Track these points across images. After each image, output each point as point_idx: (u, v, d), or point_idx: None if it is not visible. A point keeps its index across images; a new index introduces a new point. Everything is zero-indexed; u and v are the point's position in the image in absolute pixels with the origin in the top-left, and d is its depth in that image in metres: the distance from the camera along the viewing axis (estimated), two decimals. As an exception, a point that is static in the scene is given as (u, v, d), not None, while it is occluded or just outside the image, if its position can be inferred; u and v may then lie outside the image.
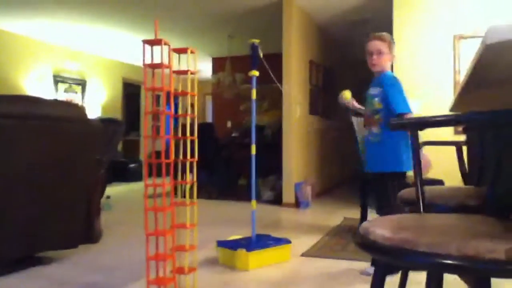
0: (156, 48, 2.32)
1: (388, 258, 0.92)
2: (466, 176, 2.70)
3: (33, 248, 2.90)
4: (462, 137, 2.84)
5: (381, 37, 2.85)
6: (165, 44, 2.25)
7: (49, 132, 2.77)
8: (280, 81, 5.97)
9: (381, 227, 0.97)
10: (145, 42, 2.28)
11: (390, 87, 2.76)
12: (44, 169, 2.78)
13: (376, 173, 2.86)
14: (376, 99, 2.82)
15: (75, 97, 8.64)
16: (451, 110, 1.71)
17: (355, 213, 4.89)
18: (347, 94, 3.36)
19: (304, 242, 3.68)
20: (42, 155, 2.74)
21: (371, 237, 0.95)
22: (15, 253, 2.78)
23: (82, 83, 8.92)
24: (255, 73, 3.24)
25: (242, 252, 2.95)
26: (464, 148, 2.82)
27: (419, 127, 1.23)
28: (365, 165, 3.11)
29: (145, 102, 2.42)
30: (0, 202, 2.56)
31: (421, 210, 1.25)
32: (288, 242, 3.20)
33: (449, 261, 0.82)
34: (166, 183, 2.30)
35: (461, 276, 2.45)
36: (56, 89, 8.29)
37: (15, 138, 2.57)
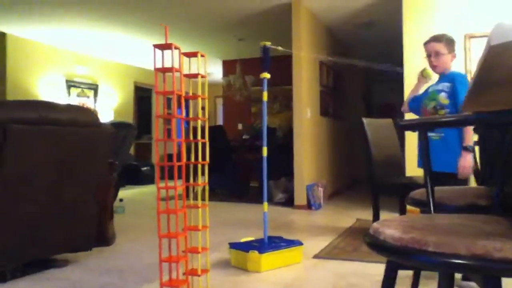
0: (167, 52, 2.34)
1: (397, 258, 0.93)
2: (478, 176, 2.69)
3: (47, 251, 2.94)
4: (475, 137, 2.84)
5: (436, 38, 2.91)
6: (176, 48, 2.28)
7: (62, 137, 2.81)
8: (290, 83, 5.99)
9: (391, 227, 0.97)
10: (156, 46, 2.31)
11: (462, 85, 2.79)
12: (58, 173, 2.82)
13: (435, 172, 2.84)
14: (443, 94, 2.85)
15: (87, 102, 8.73)
16: (461, 110, 1.71)
17: (368, 215, 4.88)
18: (429, 72, 3.22)
19: (316, 243, 3.69)
20: (55, 159, 2.78)
21: (381, 237, 0.96)
22: (29, 256, 2.83)
23: (94, 88, 9.01)
24: (266, 75, 3.26)
25: (254, 254, 2.96)
26: (477, 148, 2.81)
27: (428, 127, 1.24)
28: (418, 162, 3.08)
29: (156, 105, 2.45)
30: (15, 205, 2.61)
31: (432, 210, 1.26)
32: (300, 244, 3.21)
33: (457, 261, 0.83)
34: (178, 185, 2.32)
35: (471, 276, 2.44)
36: (69, 94, 8.39)
37: (29, 143, 2.62)
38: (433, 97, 2.91)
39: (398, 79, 5.11)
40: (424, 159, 1.36)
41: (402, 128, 1.26)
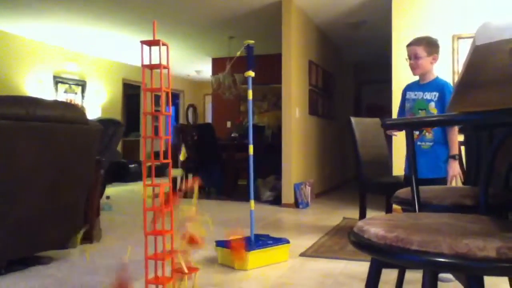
0: (155, 49, 2.33)
1: (381, 257, 0.93)
2: (464, 176, 2.74)
3: (32, 248, 2.91)
4: (460, 138, 2.89)
5: (417, 41, 2.95)
6: (163, 44, 2.26)
7: (49, 133, 2.78)
8: (279, 81, 5.99)
9: (375, 225, 0.98)
10: (143, 42, 2.29)
11: (451, 95, 2.83)
12: (44, 170, 2.79)
13: (422, 179, 2.90)
14: (432, 103, 2.91)
15: (75, 98, 8.65)
16: (447, 110, 1.72)
17: (354, 214, 4.90)
18: None
19: (303, 242, 3.70)
20: (42, 156, 2.75)
21: (366, 235, 0.97)
22: (15, 253, 2.80)
23: (82, 84, 8.93)
24: (251, 73, 3.27)
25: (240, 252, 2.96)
26: (463, 149, 2.86)
27: (414, 127, 1.24)
28: (406, 169, 3.15)
29: (144, 102, 2.43)
30: (1, 203, 2.58)
31: (417, 209, 1.27)
32: (287, 242, 3.21)
33: (441, 259, 0.83)
34: (164, 183, 2.31)
35: (454, 274, 2.47)
36: (56, 90, 8.31)
37: (15, 139, 2.59)
38: (422, 107, 2.97)
39: (388, 81, 5.14)
40: (409, 161, 1.36)
41: (388, 127, 1.27)
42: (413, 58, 2.94)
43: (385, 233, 0.92)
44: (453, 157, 2.83)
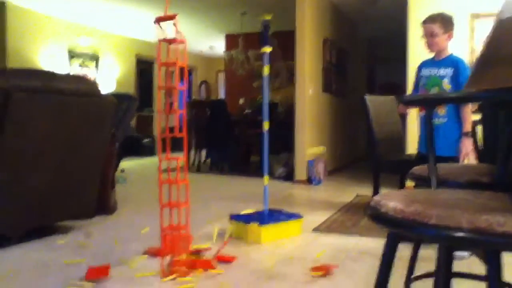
0: (169, 24, 2.32)
1: (399, 230, 0.94)
2: (480, 154, 2.72)
3: (50, 218, 2.98)
4: (477, 116, 2.87)
5: (432, 19, 2.92)
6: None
7: (64, 106, 2.81)
8: (293, 58, 5.95)
9: (393, 199, 0.98)
10: (159, 19, 2.29)
11: (465, 72, 2.83)
12: (60, 142, 2.83)
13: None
14: (446, 79, 2.89)
15: (88, 73, 8.68)
16: (465, 87, 1.70)
17: (367, 191, 4.90)
18: None
19: (315, 218, 3.72)
20: (57, 128, 2.79)
21: (383, 209, 0.97)
22: (33, 223, 2.86)
23: (96, 59, 8.95)
24: (267, 49, 3.24)
25: (254, 226, 3.00)
26: (479, 128, 2.83)
27: (434, 103, 1.23)
28: (421, 145, 3.14)
29: (158, 76, 2.44)
30: (17, 173, 2.63)
31: (434, 185, 1.27)
32: (300, 217, 3.24)
33: (459, 234, 0.84)
34: (179, 157, 2.33)
35: (472, 249, 2.48)
36: (70, 65, 8.34)
37: (30, 111, 2.62)
38: (436, 83, 2.95)
39: (403, 59, 5.07)
40: (427, 137, 1.36)
41: (406, 104, 1.26)
42: (429, 36, 2.92)
43: (403, 207, 0.93)
44: (466, 134, 2.81)
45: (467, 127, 2.83)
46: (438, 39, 2.89)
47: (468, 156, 2.83)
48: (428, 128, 1.28)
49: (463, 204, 0.99)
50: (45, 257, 2.63)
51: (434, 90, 2.94)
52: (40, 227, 2.99)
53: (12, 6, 7.28)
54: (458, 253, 2.64)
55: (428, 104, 1.24)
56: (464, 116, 2.84)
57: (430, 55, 3.08)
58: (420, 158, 3.07)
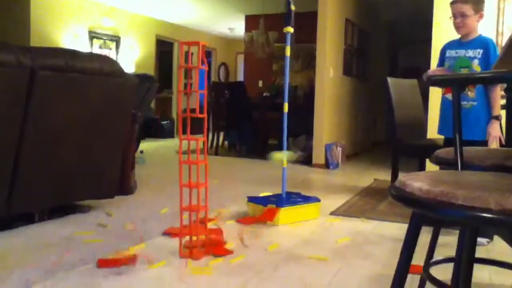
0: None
1: (424, 211, 0.93)
2: (505, 138, 2.67)
3: (72, 197, 3.02)
4: (502, 101, 2.79)
5: None
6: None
7: (87, 85, 2.83)
8: (313, 40, 5.88)
9: (418, 180, 0.97)
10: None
11: (495, 52, 2.75)
12: (83, 122, 2.86)
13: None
14: (476, 61, 2.79)
15: (109, 53, 8.72)
16: (494, 67, 1.66)
17: (386, 175, 4.88)
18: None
19: (333, 201, 3.72)
20: (80, 108, 2.81)
21: (408, 189, 0.96)
22: (56, 201, 2.91)
23: (117, 40, 8.98)
24: (290, 29, 3.19)
25: (272, 208, 3.00)
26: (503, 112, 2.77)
27: (462, 83, 1.21)
28: (440, 128, 3.06)
29: (181, 58, 2.43)
30: (41, 152, 2.67)
31: (459, 167, 1.25)
32: (318, 200, 3.24)
33: (487, 215, 0.82)
34: (199, 138, 2.34)
35: (497, 231, 2.45)
36: (91, 45, 8.39)
37: (54, 90, 2.64)
38: (465, 64, 2.84)
39: (425, 41, 4.96)
40: (454, 119, 1.33)
41: (433, 84, 1.24)
42: (459, 16, 2.79)
43: (429, 187, 0.91)
44: (496, 117, 2.72)
45: (497, 110, 2.74)
46: (469, 20, 2.77)
47: (497, 140, 2.74)
48: (455, 109, 1.25)
49: (491, 185, 0.97)
50: (67, 234, 2.68)
51: (463, 72, 2.86)
52: (62, 206, 3.05)
53: (35, -14, 7.33)
54: (477, 240, 2.61)
55: (458, 84, 1.21)
56: (493, 99, 2.74)
57: (456, 36, 2.98)
58: (448, 143, 2.99)
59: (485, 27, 4.58)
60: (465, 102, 2.82)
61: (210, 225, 2.89)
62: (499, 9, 4.59)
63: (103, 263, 2.17)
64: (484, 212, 0.83)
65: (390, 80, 3.62)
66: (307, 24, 6.74)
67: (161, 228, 2.82)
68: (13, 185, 2.56)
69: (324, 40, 5.77)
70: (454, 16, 2.83)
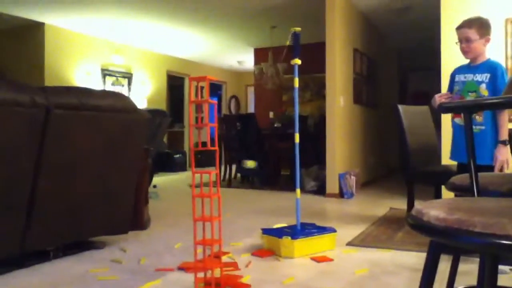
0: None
1: (442, 239, 0.91)
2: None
3: (86, 233, 3.03)
4: (510, 125, 2.78)
5: (468, 24, 2.82)
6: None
7: (100, 122, 2.87)
8: (322, 70, 5.94)
9: (434, 208, 0.96)
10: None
11: (503, 76, 2.76)
12: (95, 157, 2.89)
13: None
14: (483, 85, 2.80)
15: (122, 90, 8.88)
16: (505, 92, 1.66)
17: (401, 204, 4.82)
18: None
19: (349, 231, 3.67)
20: (94, 143, 2.85)
21: (425, 218, 0.95)
22: (70, 237, 2.92)
23: (129, 76, 9.15)
24: (297, 61, 3.24)
25: (287, 240, 2.97)
26: None
27: (473, 109, 1.20)
28: (452, 154, 3.05)
29: (189, 92, 2.47)
30: (55, 188, 2.69)
31: (475, 194, 1.23)
32: (334, 230, 3.20)
33: (507, 242, 0.81)
34: (212, 171, 2.34)
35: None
36: (104, 83, 8.55)
37: (68, 127, 2.69)
38: (473, 89, 2.84)
39: (434, 67, 4.98)
40: (467, 145, 1.33)
41: (445, 110, 1.23)
42: (464, 41, 2.82)
43: (446, 215, 0.90)
44: (503, 142, 2.70)
45: (504, 135, 2.73)
46: (474, 44, 2.79)
47: (504, 164, 2.72)
48: (468, 135, 1.24)
49: (508, 211, 0.95)
50: (83, 272, 2.67)
51: (470, 96, 2.85)
52: (77, 242, 3.05)
53: (49, 26, 7.55)
54: (499, 267, 2.55)
55: (467, 110, 1.21)
56: (501, 123, 2.74)
57: (465, 61, 2.99)
58: (461, 168, 2.96)
59: (493, 52, 4.61)
60: (474, 127, 2.81)
61: (225, 258, 2.87)
62: (506, 33, 4.61)
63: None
64: (503, 238, 0.81)
65: (401, 107, 3.63)
66: (316, 54, 6.83)
67: (176, 262, 2.80)
68: (28, 222, 2.58)
69: (333, 70, 5.82)
70: (460, 41, 2.85)
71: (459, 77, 2.95)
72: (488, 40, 2.83)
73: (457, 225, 0.87)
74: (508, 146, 2.74)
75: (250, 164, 3.26)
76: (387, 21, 7.45)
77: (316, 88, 9.00)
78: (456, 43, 2.89)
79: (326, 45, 5.85)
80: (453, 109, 1.30)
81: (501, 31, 4.61)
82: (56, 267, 2.74)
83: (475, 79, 2.83)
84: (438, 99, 2.96)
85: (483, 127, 2.78)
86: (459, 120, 2.94)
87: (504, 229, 0.82)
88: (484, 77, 2.80)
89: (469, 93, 2.87)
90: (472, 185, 1.24)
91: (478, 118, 2.80)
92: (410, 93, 10.40)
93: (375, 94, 7.88)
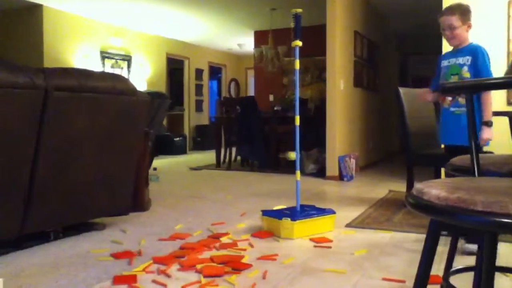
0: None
1: (443, 218, 0.92)
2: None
3: (87, 215, 3.04)
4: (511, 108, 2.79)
5: (450, 11, 2.88)
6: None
7: (100, 104, 2.86)
8: (322, 53, 5.90)
9: (435, 188, 0.96)
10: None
11: (484, 58, 2.81)
12: (96, 140, 2.88)
13: (457, 146, 2.79)
14: (465, 67, 2.85)
15: (121, 73, 8.84)
16: (506, 73, 1.65)
17: (401, 186, 4.83)
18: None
19: (348, 213, 3.69)
20: (93, 126, 2.84)
21: (425, 197, 0.95)
22: (71, 219, 2.93)
23: (128, 59, 9.10)
24: (298, 43, 3.22)
25: (287, 221, 2.99)
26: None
27: (474, 89, 1.20)
28: (441, 137, 3.10)
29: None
30: (56, 170, 2.69)
31: (476, 174, 1.23)
32: (333, 212, 3.21)
33: (507, 220, 0.81)
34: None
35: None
36: (103, 65, 8.50)
37: (67, 110, 2.68)
38: (455, 72, 2.91)
39: (435, 51, 4.95)
40: (469, 126, 1.33)
41: (446, 91, 1.23)
42: (447, 29, 2.89)
43: (446, 194, 0.91)
44: (486, 123, 2.72)
45: (488, 116, 2.77)
46: (457, 31, 2.86)
47: (485, 143, 2.75)
48: (469, 116, 1.24)
49: (509, 191, 0.95)
50: (83, 252, 2.69)
51: (453, 79, 2.89)
52: (77, 224, 3.06)
53: (48, 8, 7.48)
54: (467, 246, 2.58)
55: (468, 90, 1.21)
56: (485, 105, 2.78)
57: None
58: (449, 151, 3.01)
59: (495, 34, 4.58)
60: (457, 108, 2.88)
61: (225, 239, 2.89)
62: (509, 16, 4.57)
63: (118, 280, 2.17)
64: (504, 217, 0.82)
65: (401, 90, 3.61)
66: (316, 37, 6.77)
67: (177, 243, 2.82)
68: (28, 204, 2.58)
69: (334, 53, 5.78)
70: (443, 29, 2.91)
71: (444, 63, 3.03)
72: (470, 26, 2.90)
73: (458, 203, 0.87)
74: (492, 128, 2.76)
75: (292, 156, 3.29)
76: (388, 3, 7.39)
77: (316, 72, 8.96)
78: (441, 31, 2.94)
79: (326, 28, 5.80)
80: (453, 89, 1.30)
81: (503, 14, 4.57)
82: (56, 248, 2.75)
83: (457, 62, 2.91)
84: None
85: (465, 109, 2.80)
86: (445, 104, 2.99)
87: (505, 207, 0.82)
88: (466, 60, 2.87)
89: (452, 76, 2.94)
90: (473, 165, 1.24)
91: (461, 100, 2.84)
92: (411, 76, 10.36)
93: (375, 77, 7.85)
